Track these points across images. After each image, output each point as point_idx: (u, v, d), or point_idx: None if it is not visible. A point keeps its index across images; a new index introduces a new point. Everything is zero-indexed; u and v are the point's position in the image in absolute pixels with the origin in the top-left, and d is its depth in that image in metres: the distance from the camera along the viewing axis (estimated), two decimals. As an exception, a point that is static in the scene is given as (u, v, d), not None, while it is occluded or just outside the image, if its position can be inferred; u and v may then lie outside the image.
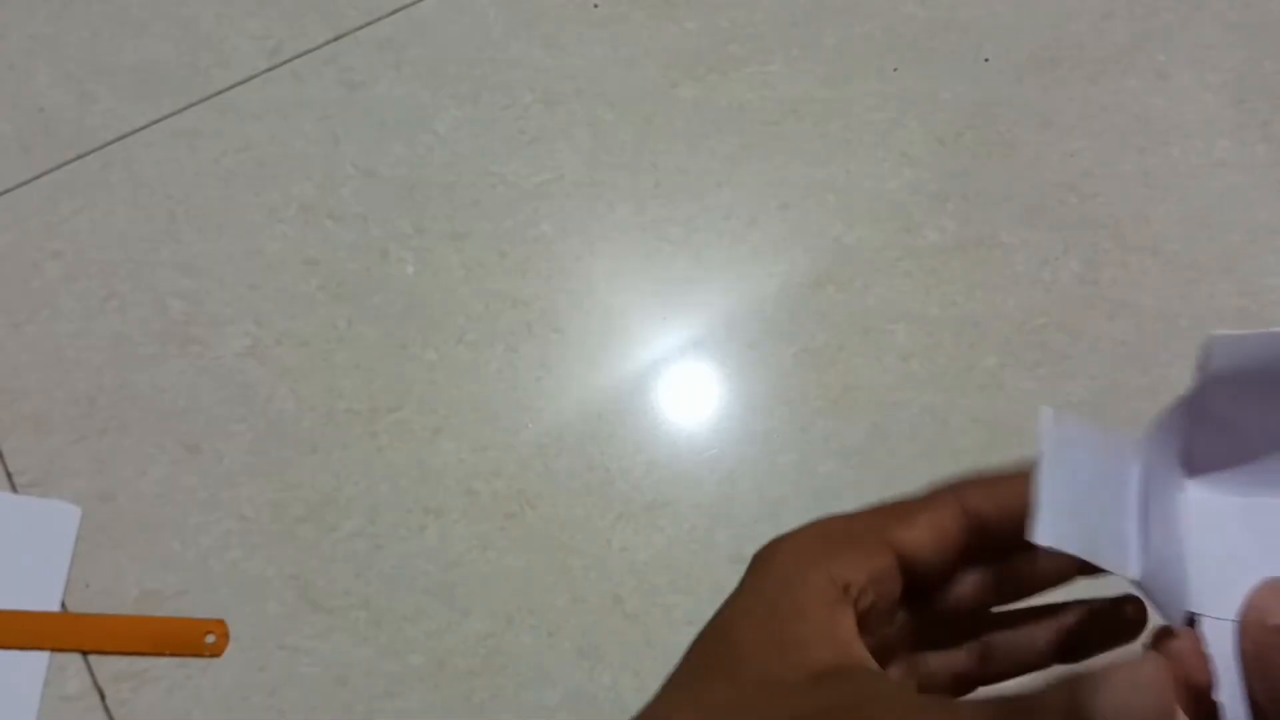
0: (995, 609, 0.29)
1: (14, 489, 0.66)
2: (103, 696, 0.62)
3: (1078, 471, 0.24)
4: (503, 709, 0.62)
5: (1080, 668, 0.21)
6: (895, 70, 0.80)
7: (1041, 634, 0.29)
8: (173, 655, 0.63)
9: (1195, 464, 0.26)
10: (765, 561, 0.27)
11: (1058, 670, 0.26)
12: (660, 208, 0.75)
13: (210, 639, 0.63)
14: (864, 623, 0.26)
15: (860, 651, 0.25)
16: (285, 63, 0.80)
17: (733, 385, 0.70)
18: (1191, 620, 0.24)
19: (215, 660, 0.63)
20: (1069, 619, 0.29)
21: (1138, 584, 0.24)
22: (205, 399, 0.69)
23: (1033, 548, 0.24)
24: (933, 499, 0.27)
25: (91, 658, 0.63)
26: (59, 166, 0.76)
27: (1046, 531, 0.23)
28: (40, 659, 0.62)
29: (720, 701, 0.24)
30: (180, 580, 0.65)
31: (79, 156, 0.76)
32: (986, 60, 0.80)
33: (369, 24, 0.81)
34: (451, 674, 0.63)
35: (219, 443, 0.68)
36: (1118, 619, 0.28)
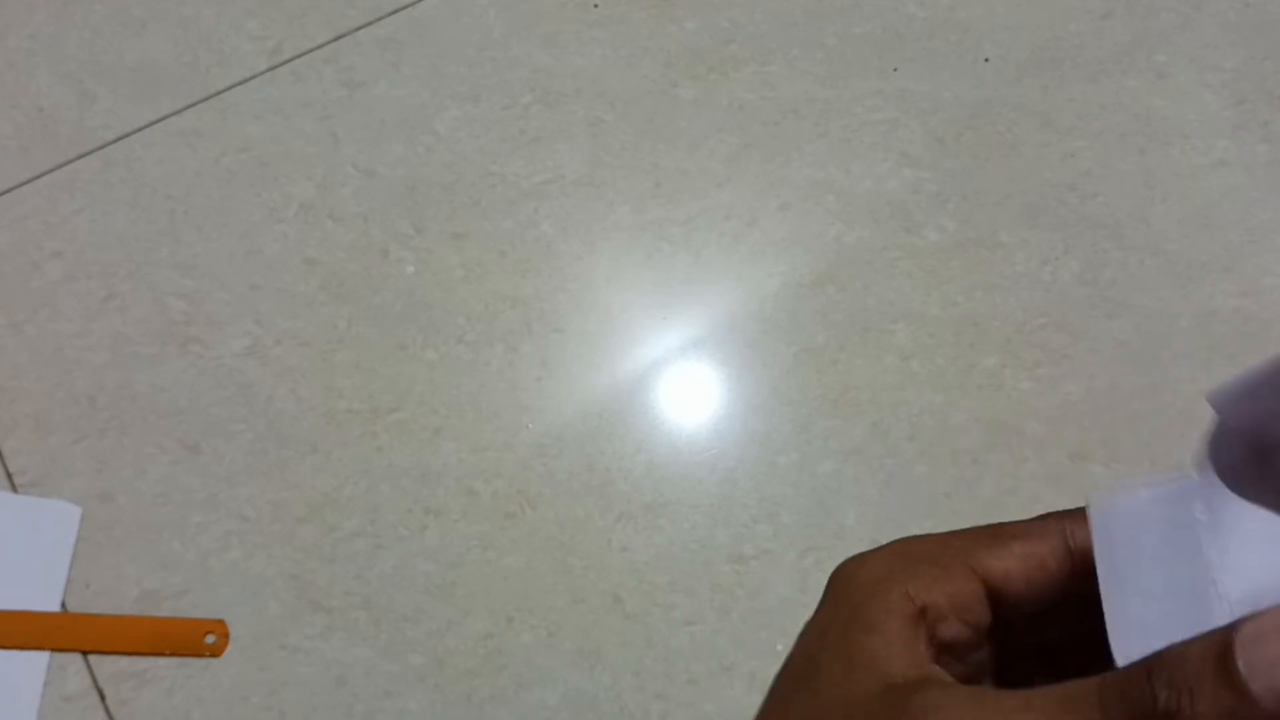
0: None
1: (14, 489, 0.66)
2: (103, 696, 0.62)
3: (1142, 556, 0.22)
4: (503, 709, 0.62)
5: None
6: (895, 70, 0.80)
7: None
8: (173, 655, 0.63)
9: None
10: (843, 580, 0.26)
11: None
12: (660, 208, 0.75)
13: (210, 639, 0.63)
14: (948, 649, 0.24)
15: (934, 668, 0.24)
16: (285, 63, 0.80)
17: (733, 385, 0.70)
18: None
19: (215, 660, 0.63)
20: None
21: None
22: (205, 399, 0.69)
23: None
24: (1034, 526, 0.25)
25: (91, 658, 0.63)
26: (59, 166, 0.76)
27: (1126, 652, 0.20)
28: (40, 659, 0.62)
29: None
30: (180, 580, 0.65)
31: (79, 156, 0.76)
32: (986, 60, 0.80)
33: (369, 24, 0.81)
34: (451, 674, 0.63)
35: (219, 443, 0.68)
36: None
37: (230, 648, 0.63)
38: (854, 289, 0.72)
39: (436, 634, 0.63)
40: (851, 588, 0.25)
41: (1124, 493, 0.23)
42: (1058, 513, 0.25)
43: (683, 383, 0.70)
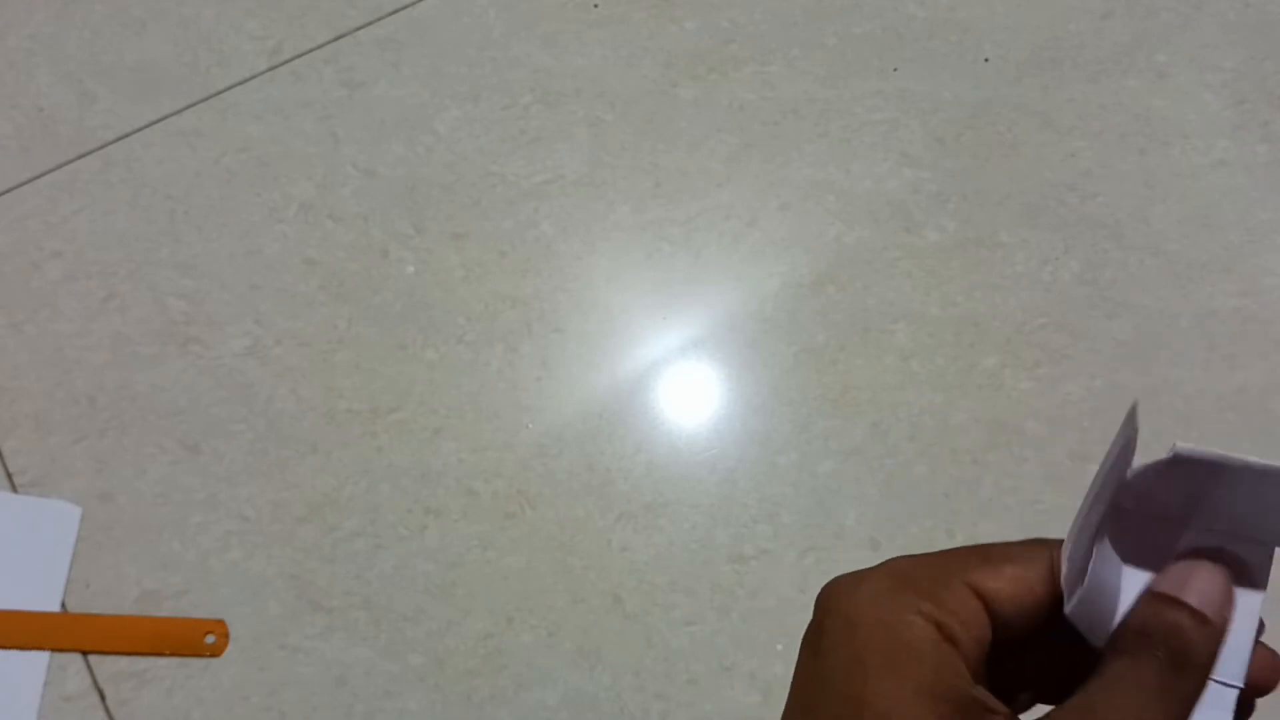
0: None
1: (14, 489, 0.66)
2: (103, 696, 0.62)
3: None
4: (503, 709, 0.62)
5: None
6: (895, 70, 0.80)
7: None
8: (173, 655, 0.63)
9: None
10: (844, 608, 0.25)
11: None
12: (660, 208, 0.75)
13: (210, 639, 0.63)
14: (971, 669, 0.24)
15: (983, 692, 0.23)
16: (285, 63, 0.80)
17: (733, 385, 0.70)
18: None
19: (215, 660, 0.63)
20: None
21: (1068, 616, 0.24)
22: (205, 399, 0.69)
23: None
24: (1022, 550, 0.25)
25: (91, 658, 0.63)
26: (59, 166, 0.76)
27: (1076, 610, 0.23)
28: (40, 659, 0.62)
29: None
30: (180, 580, 0.65)
31: (79, 156, 0.76)
32: (986, 60, 0.80)
33: (369, 24, 0.81)
34: (451, 674, 0.63)
35: (219, 443, 0.68)
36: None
37: (230, 648, 0.63)
38: (854, 289, 0.72)
39: (436, 634, 0.63)
40: (865, 617, 0.24)
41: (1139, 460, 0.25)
42: (1043, 540, 0.25)
43: (683, 383, 0.70)
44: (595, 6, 0.82)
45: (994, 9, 0.82)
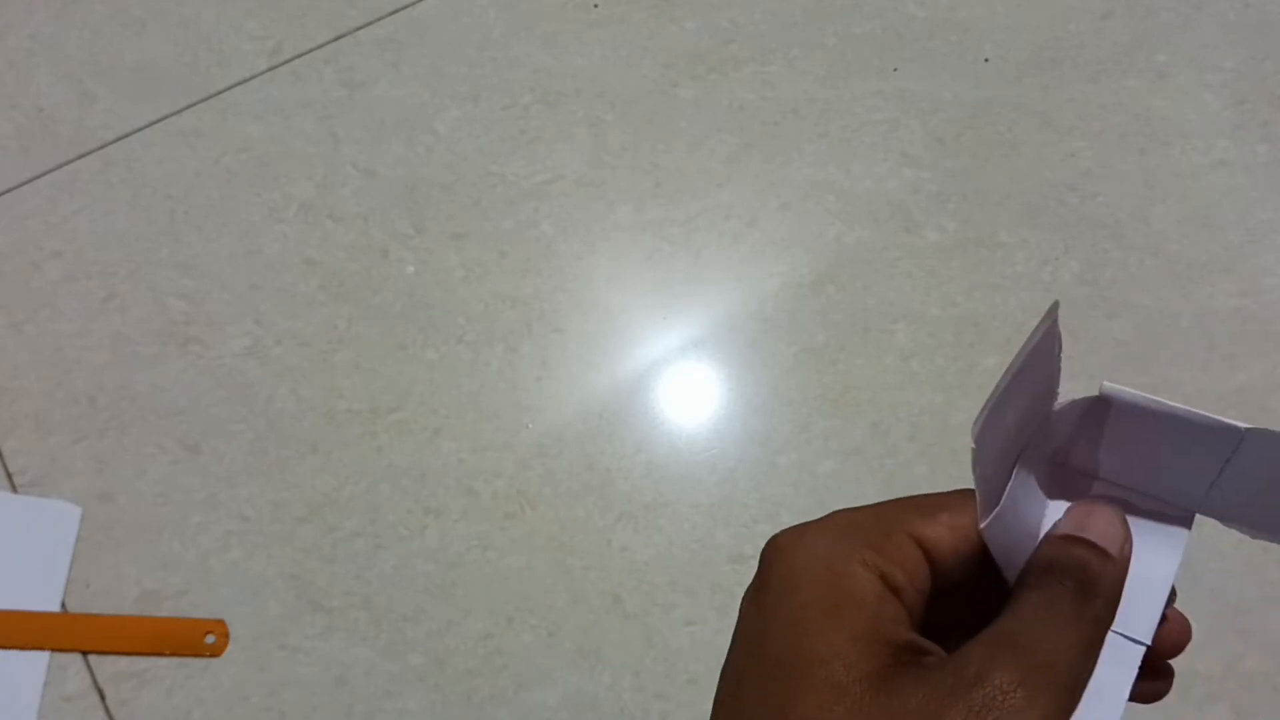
0: None
1: (14, 489, 0.66)
2: (103, 696, 0.62)
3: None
4: (503, 709, 0.62)
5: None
6: (895, 70, 0.80)
7: None
8: (173, 655, 0.63)
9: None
10: (789, 561, 0.25)
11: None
12: (660, 208, 0.75)
13: (210, 639, 0.63)
14: (910, 617, 0.25)
15: (919, 637, 0.24)
16: (285, 63, 0.80)
17: (733, 385, 0.70)
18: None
19: (215, 660, 0.63)
20: None
21: (982, 533, 0.24)
22: (205, 399, 0.69)
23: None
24: (954, 499, 0.25)
25: (91, 658, 0.63)
26: (59, 166, 0.76)
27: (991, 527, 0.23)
28: (40, 659, 0.62)
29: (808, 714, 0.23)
30: (180, 580, 0.65)
31: (79, 156, 0.76)
32: (986, 60, 0.80)
33: (369, 24, 0.81)
34: (451, 674, 0.63)
35: (219, 443, 0.68)
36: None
37: (230, 648, 0.63)
38: (854, 289, 0.72)
39: (436, 634, 0.63)
40: (810, 568, 0.24)
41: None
42: (972, 490, 0.26)
43: (683, 383, 0.70)
44: (595, 6, 0.82)
45: (994, 9, 0.82)
